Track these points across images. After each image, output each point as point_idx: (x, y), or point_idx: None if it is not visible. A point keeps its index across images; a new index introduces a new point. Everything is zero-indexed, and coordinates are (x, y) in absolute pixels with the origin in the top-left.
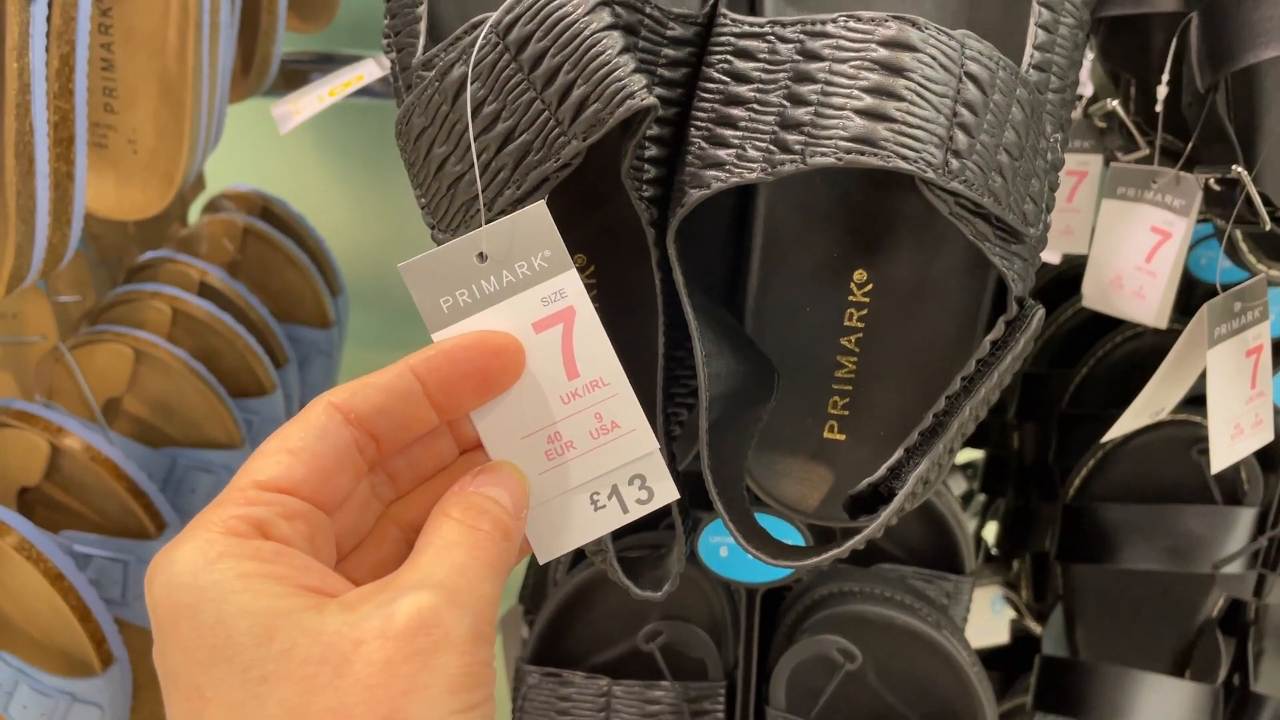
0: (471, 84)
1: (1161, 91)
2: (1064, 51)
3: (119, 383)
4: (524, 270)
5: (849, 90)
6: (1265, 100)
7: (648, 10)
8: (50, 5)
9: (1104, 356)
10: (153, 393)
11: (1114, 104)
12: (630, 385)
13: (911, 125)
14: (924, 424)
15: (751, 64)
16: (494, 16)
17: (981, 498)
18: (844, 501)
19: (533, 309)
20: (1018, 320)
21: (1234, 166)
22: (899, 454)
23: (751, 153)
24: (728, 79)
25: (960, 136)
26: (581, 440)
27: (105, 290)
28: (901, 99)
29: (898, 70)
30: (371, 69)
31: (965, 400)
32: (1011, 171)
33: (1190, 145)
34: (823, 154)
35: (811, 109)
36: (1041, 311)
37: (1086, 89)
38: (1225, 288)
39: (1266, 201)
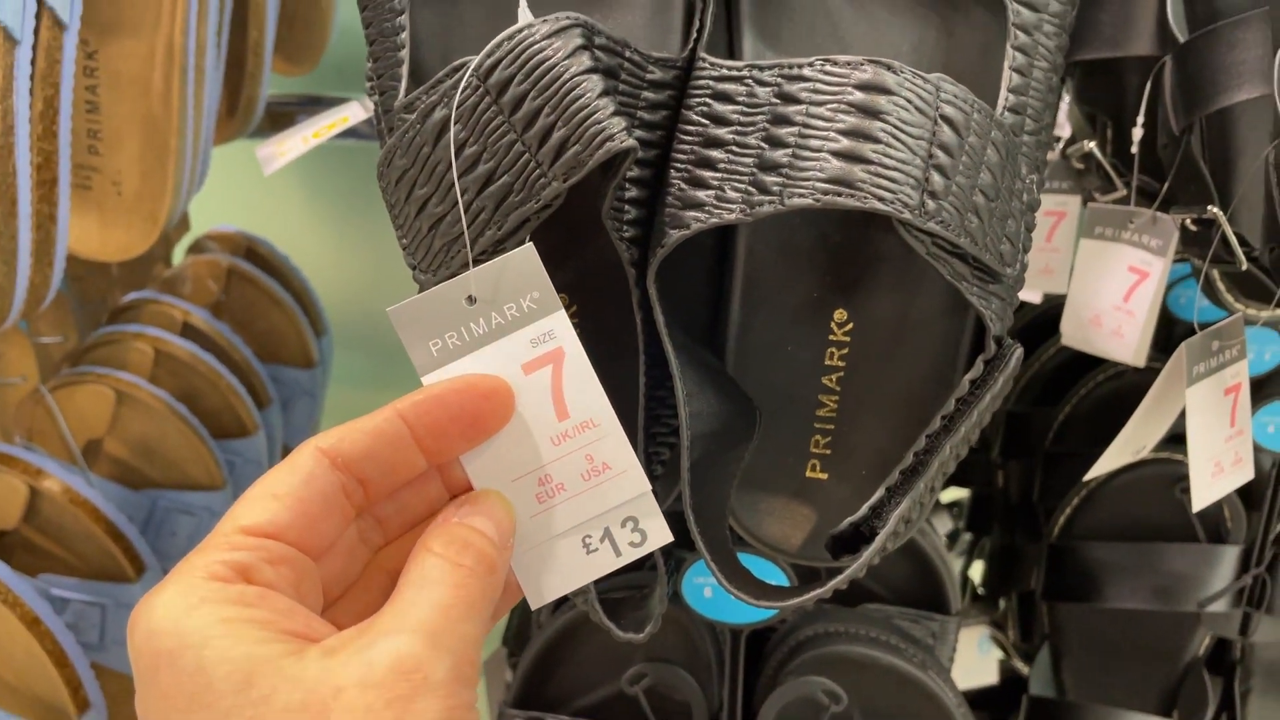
0: (453, 125)
1: (1137, 133)
2: (1038, 94)
3: (100, 424)
4: (513, 312)
5: (826, 133)
6: (1238, 141)
7: (627, 54)
8: (34, 48)
9: (1086, 395)
10: (134, 434)
11: (1091, 145)
12: (621, 426)
13: (888, 167)
14: (905, 463)
15: (730, 107)
16: (475, 60)
17: (968, 536)
18: (826, 541)
19: (522, 351)
20: (996, 359)
21: (1209, 207)
22: (880, 493)
23: (730, 194)
24: (707, 121)
25: (936, 178)
26: (573, 482)
27: (88, 331)
28: (878, 141)
29: (873, 113)
30: (356, 111)
31: (946, 439)
32: (988, 212)
33: (1166, 186)
34: (800, 195)
35: (789, 151)
36: (1020, 351)
37: (1064, 130)
38: (1203, 326)
39: (1242, 241)
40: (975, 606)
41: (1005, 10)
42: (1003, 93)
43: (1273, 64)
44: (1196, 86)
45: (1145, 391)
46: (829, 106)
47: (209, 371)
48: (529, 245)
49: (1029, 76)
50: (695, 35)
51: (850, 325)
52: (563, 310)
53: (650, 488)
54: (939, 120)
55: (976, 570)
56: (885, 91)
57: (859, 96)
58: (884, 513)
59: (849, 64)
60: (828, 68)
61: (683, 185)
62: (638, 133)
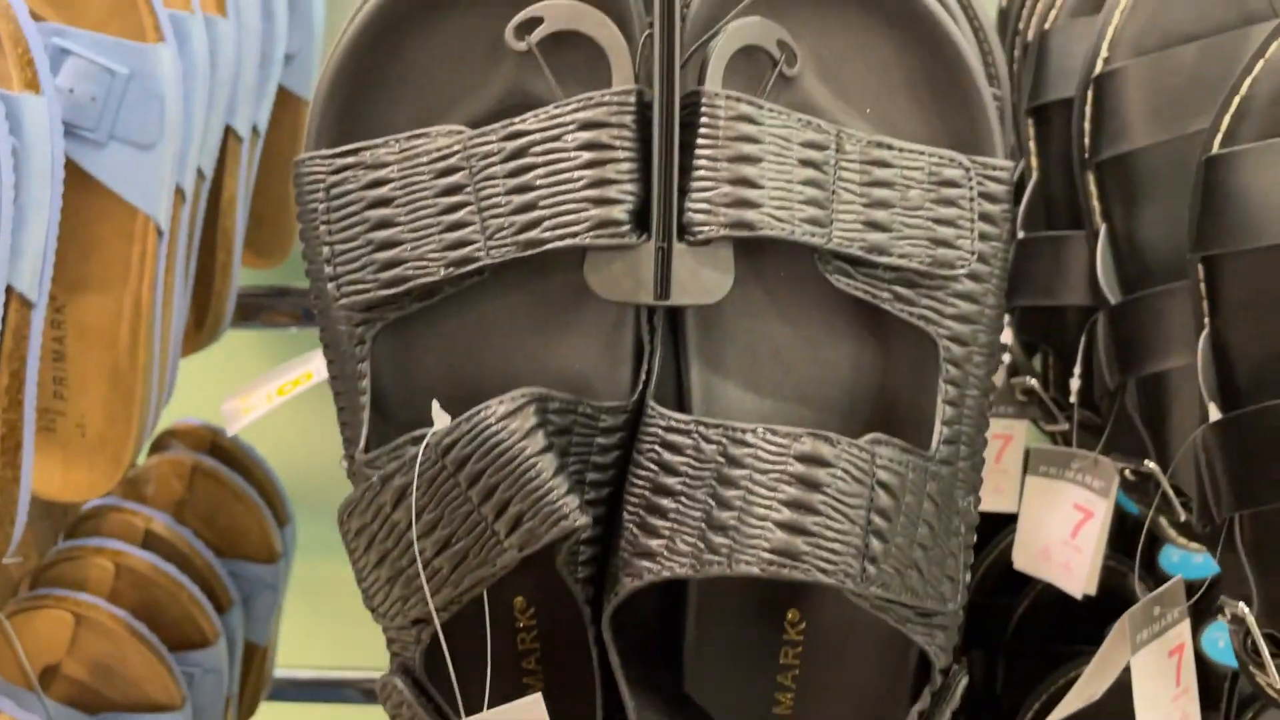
0: (414, 491)
1: (1074, 384)
2: (971, 419)
3: (58, 648)
4: None
5: (769, 502)
6: (1172, 401)
7: (580, 410)
8: (2, 329)
9: (1045, 589)
10: (92, 655)
11: (1033, 382)
12: None
13: (828, 539)
14: None
15: (679, 458)
16: (433, 437)
17: None
18: None
19: None
20: (942, 690)
21: (1146, 461)
22: None
23: (682, 546)
24: (657, 469)
25: (875, 544)
26: None
27: (48, 542)
28: (818, 513)
29: (814, 485)
30: (320, 366)
31: None
32: (927, 562)
33: (1105, 435)
34: (747, 563)
35: (735, 514)
36: (965, 679)
37: (1007, 356)
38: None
39: (1182, 493)
40: None
41: (937, 345)
42: (937, 428)
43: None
44: (1127, 349)
45: (1103, 588)
46: (771, 475)
47: (170, 584)
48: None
49: (961, 407)
50: (645, 379)
51: (804, 624)
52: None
53: None
54: (875, 487)
55: None
56: (824, 464)
57: (799, 468)
58: None
59: (789, 435)
60: (770, 436)
61: (635, 531)
62: (592, 476)
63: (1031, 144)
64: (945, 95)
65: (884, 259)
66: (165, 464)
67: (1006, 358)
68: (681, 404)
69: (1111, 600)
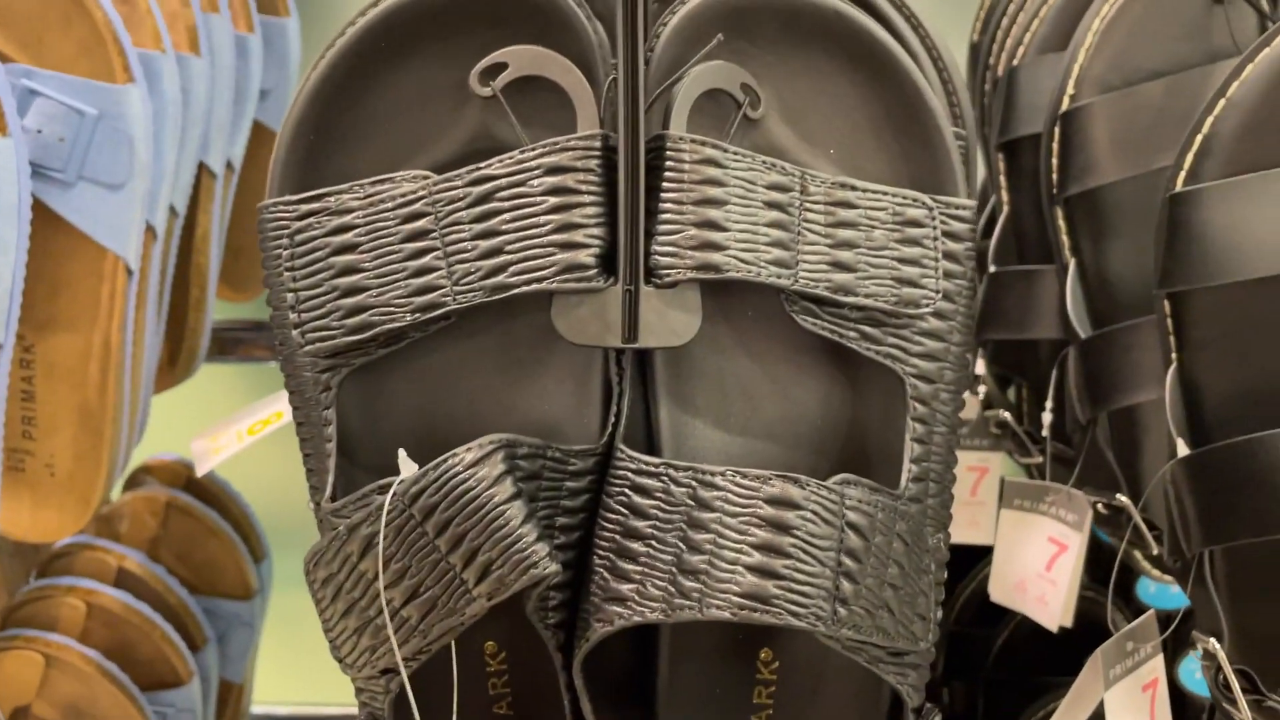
0: (382, 540)
1: (1046, 418)
2: (939, 456)
3: (28, 690)
4: None
5: (740, 546)
6: (1142, 435)
7: (549, 454)
8: None
9: (1024, 620)
10: (63, 697)
11: (1006, 416)
12: None
13: (799, 582)
14: None
15: (649, 501)
16: (400, 486)
17: None
18: None
19: None
20: None
21: (1118, 495)
22: None
23: (653, 590)
24: (627, 512)
25: (846, 585)
26: None
27: (20, 581)
28: (788, 556)
29: (784, 528)
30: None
31: None
32: (898, 602)
33: (1077, 469)
34: (718, 607)
35: (706, 558)
36: (939, 717)
37: (982, 388)
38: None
39: (1153, 526)
40: None
41: (903, 383)
42: (905, 465)
43: None
44: (1097, 383)
45: (1082, 618)
46: (741, 519)
47: (143, 622)
48: None
49: (929, 444)
50: (614, 421)
51: (776, 664)
52: None
53: None
54: (845, 528)
55: None
56: (793, 506)
57: (769, 511)
58: None
59: (759, 478)
60: (739, 479)
61: (606, 575)
62: (561, 520)
63: (1003, 179)
64: (908, 136)
65: (850, 299)
66: (139, 500)
67: (982, 390)
68: (652, 446)
69: (1092, 630)
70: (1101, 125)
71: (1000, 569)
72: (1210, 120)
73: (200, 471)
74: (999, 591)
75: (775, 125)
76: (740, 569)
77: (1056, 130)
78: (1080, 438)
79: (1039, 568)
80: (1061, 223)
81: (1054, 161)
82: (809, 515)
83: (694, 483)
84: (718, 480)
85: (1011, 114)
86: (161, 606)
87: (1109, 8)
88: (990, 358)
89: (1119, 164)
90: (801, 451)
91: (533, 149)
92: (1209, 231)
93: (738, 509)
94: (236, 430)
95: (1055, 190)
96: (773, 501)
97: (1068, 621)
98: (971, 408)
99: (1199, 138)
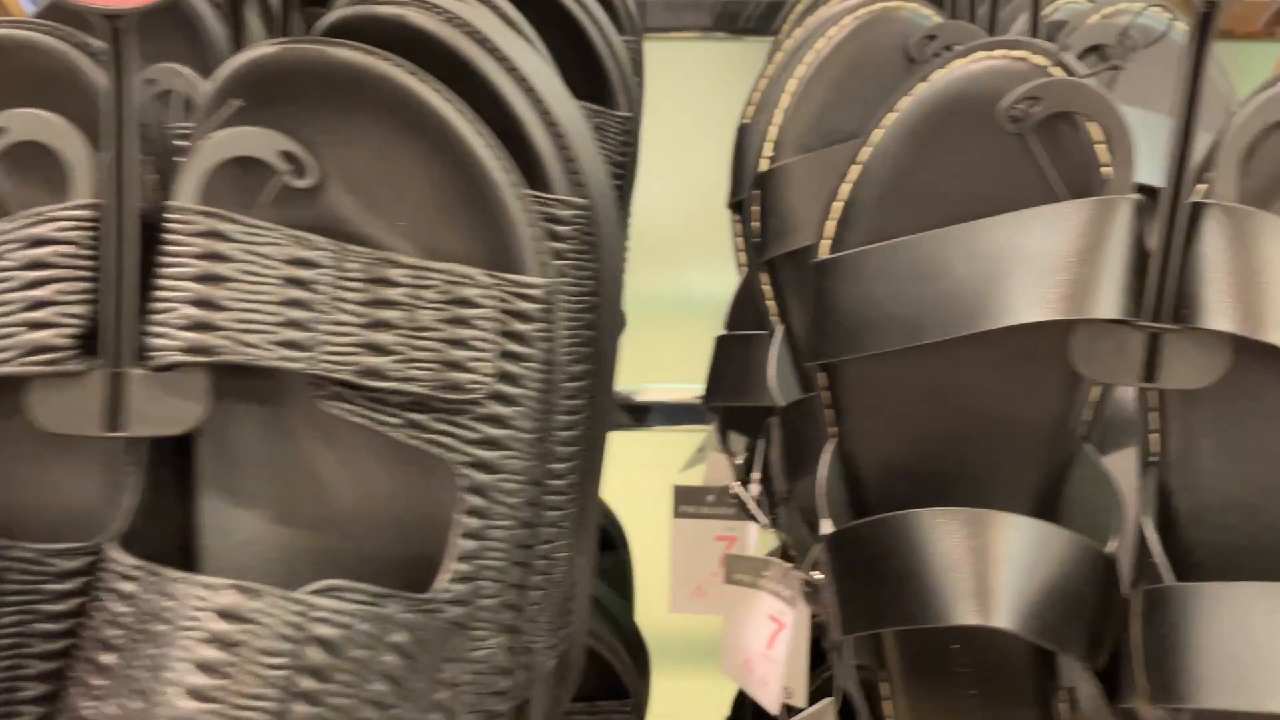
0: None
1: (753, 489)
2: (501, 552)
3: None
4: None
5: (184, 663)
6: None
7: (13, 554)
8: None
9: None
10: None
11: (736, 487)
12: None
13: (235, 706)
14: None
15: (126, 608)
16: None
17: None
18: None
19: None
20: None
21: (813, 571)
22: None
23: (108, 712)
24: (105, 621)
25: (299, 708)
26: None
27: None
28: (227, 677)
29: (229, 644)
30: None
31: None
32: None
33: (780, 543)
34: None
35: (152, 676)
36: None
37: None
38: None
39: None
40: None
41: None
42: (446, 564)
43: None
44: (794, 453)
45: None
46: (189, 634)
47: None
48: None
49: (484, 540)
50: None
51: None
52: None
53: None
54: (306, 643)
55: None
56: (241, 620)
57: (219, 626)
58: None
59: (210, 586)
60: (191, 588)
61: (74, 691)
62: (43, 627)
63: (739, 239)
64: (472, 209)
65: (382, 383)
66: None
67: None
68: (188, 543)
69: None
70: (799, 186)
71: (729, 645)
72: (848, 188)
73: None
74: (730, 668)
75: (338, 195)
76: (180, 692)
77: (758, 192)
78: (784, 509)
79: (761, 646)
80: (767, 286)
81: (755, 225)
82: (259, 630)
83: (156, 592)
84: (175, 588)
85: (738, 173)
86: None
87: (805, 69)
88: (720, 422)
89: (819, 226)
90: (380, 543)
91: (14, 220)
92: (849, 301)
93: (188, 622)
94: None
95: (759, 254)
96: (224, 614)
97: (799, 703)
98: (725, 474)
99: (840, 205)
